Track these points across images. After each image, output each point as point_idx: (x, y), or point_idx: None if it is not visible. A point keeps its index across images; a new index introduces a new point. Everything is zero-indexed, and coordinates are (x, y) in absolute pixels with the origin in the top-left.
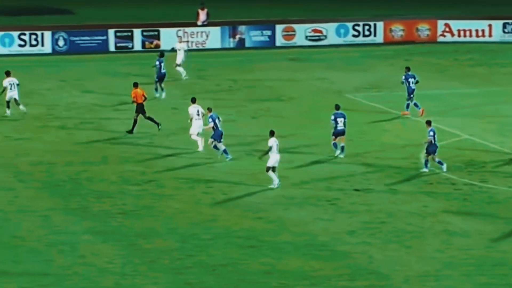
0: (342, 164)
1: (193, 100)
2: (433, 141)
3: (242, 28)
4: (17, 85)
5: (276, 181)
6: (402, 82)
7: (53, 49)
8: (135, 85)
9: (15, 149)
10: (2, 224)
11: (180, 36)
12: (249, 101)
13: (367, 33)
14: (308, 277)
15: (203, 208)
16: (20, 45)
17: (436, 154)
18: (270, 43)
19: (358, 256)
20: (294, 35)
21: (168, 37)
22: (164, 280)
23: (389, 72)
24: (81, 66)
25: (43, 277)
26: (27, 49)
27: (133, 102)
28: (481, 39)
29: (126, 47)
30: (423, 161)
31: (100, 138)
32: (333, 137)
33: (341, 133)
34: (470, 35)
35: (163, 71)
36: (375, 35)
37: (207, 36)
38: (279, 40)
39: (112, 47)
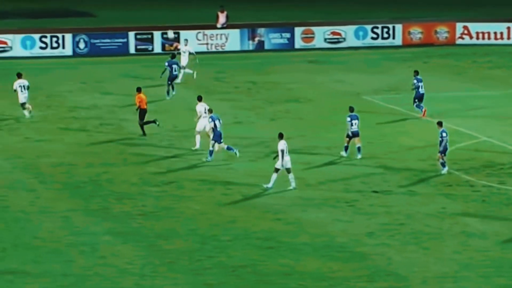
0: (360, 166)
1: (200, 98)
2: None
3: (261, 30)
4: (28, 87)
5: (270, 184)
6: (414, 87)
7: (74, 51)
8: (139, 90)
9: (35, 150)
10: (24, 225)
11: (187, 39)
12: (268, 103)
13: (385, 35)
14: (326, 278)
15: (223, 209)
16: (41, 48)
17: (445, 155)
18: (289, 46)
19: (376, 257)
20: (313, 37)
21: (188, 40)
22: (184, 281)
23: (407, 74)
24: (101, 68)
25: (63, 278)
26: (48, 52)
27: (138, 108)
28: (499, 41)
29: (146, 50)
30: (439, 163)
31: (120, 139)
32: (347, 139)
33: (356, 134)
34: (489, 38)
35: (174, 73)
36: (393, 38)
37: (227, 38)
38: (298, 43)
39: (132, 50)
